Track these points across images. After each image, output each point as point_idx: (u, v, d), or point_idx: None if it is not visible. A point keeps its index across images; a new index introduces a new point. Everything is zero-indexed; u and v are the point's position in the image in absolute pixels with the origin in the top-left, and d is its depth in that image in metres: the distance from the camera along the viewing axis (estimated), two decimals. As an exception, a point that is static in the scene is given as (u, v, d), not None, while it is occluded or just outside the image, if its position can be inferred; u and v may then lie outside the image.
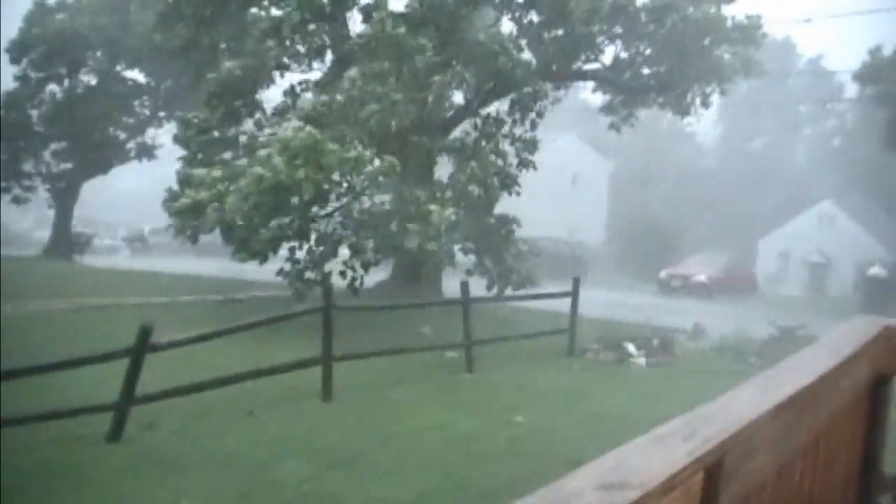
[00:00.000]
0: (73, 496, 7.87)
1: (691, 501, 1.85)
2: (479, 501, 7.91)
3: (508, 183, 21.53)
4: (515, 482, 8.39)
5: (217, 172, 17.82)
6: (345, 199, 18.49)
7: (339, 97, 18.01)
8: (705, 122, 61.45)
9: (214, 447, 9.48)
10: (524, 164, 22.10)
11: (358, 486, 8.17)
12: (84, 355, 9.84)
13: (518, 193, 21.94)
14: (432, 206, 17.40)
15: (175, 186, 21.12)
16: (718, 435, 1.96)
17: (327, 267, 19.23)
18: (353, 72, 18.05)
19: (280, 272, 19.29)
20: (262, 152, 17.01)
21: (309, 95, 22.08)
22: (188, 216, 17.74)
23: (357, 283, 19.40)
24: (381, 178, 17.37)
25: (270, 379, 11.89)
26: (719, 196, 60.27)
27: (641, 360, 16.78)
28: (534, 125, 22.01)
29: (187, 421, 10.47)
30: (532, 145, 22.48)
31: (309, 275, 18.84)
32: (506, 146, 22.14)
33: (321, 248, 19.22)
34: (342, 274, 19.24)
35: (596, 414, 11.90)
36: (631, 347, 17.09)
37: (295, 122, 17.95)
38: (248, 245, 17.76)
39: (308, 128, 16.89)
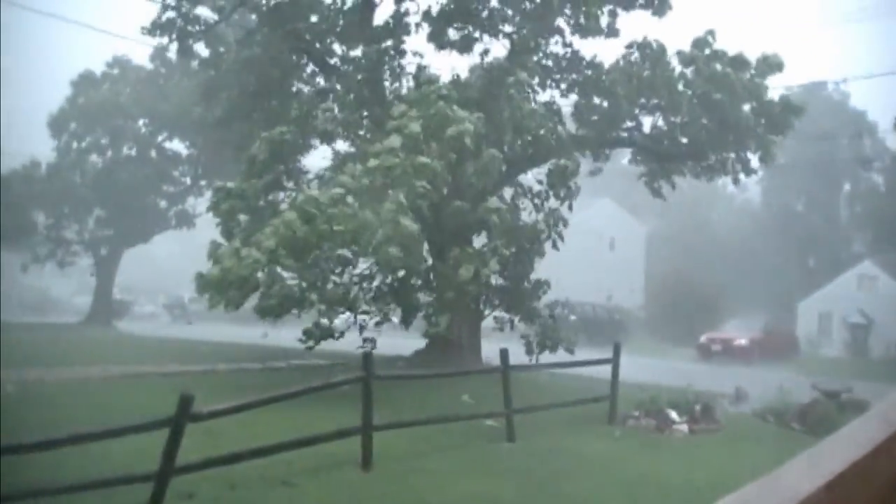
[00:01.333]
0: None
1: (745, 588, 1.78)
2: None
3: (537, 249, 21.72)
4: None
5: (237, 243, 18.10)
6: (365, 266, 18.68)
7: (374, 165, 18.07)
8: (745, 183, 61.33)
9: (253, 518, 9.43)
10: (552, 235, 21.95)
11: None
12: (123, 425, 9.82)
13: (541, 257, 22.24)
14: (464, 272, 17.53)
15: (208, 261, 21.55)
16: (772, 514, 1.89)
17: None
18: (393, 141, 18.06)
19: (305, 332, 19.40)
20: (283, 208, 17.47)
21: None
22: (215, 289, 17.88)
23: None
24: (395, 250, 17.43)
25: (310, 448, 11.81)
26: (759, 258, 59.82)
27: (684, 427, 16.54)
28: (568, 196, 21.94)
29: (226, 491, 10.41)
30: (560, 219, 22.32)
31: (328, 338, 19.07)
32: (538, 217, 22.20)
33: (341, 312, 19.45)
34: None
35: (638, 483, 11.74)
36: (673, 414, 16.85)
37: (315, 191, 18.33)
38: (265, 303, 18.14)
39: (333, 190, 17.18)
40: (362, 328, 20.26)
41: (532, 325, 22.34)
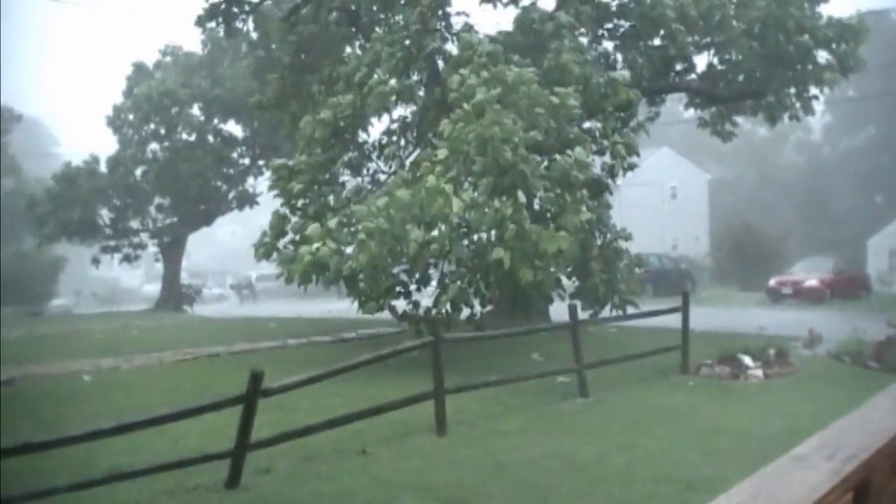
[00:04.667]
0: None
1: (840, 526, 1.70)
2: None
3: (602, 188, 20.71)
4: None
5: (333, 222, 17.76)
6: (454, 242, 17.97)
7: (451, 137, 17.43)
8: (810, 125, 59.99)
9: (330, 488, 9.44)
10: (625, 167, 20.34)
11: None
12: (197, 405, 9.90)
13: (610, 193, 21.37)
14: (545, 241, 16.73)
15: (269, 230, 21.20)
16: (863, 451, 1.80)
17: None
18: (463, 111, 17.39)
19: (402, 316, 19.15)
20: (379, 202, 16.88)
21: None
22: (311, 271, 17.70)
23: (477, 317, 19.40)
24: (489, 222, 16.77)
25: (383, 416, 11.83)
26: (825, 198, 58.81)
27: (758, 372, 16.32)
28: (633, 131, 20.91)
29: (302, 463, 10.46)
30: (631, 148, 19.99)
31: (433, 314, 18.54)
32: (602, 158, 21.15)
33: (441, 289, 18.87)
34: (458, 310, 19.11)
35: (716, 432, 11.58)
36: (747, 360, 16.62)
37: (405, 178, 17.86)
38: (368, 295, 17.79)
39: (415, 185, 16.60)
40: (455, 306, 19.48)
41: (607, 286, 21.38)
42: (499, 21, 23.48)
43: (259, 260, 20.96)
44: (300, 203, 20.59)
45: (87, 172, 41.08)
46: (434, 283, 18.85)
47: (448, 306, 17.59)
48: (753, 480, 1.63)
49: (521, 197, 16.12)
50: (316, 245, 17.01)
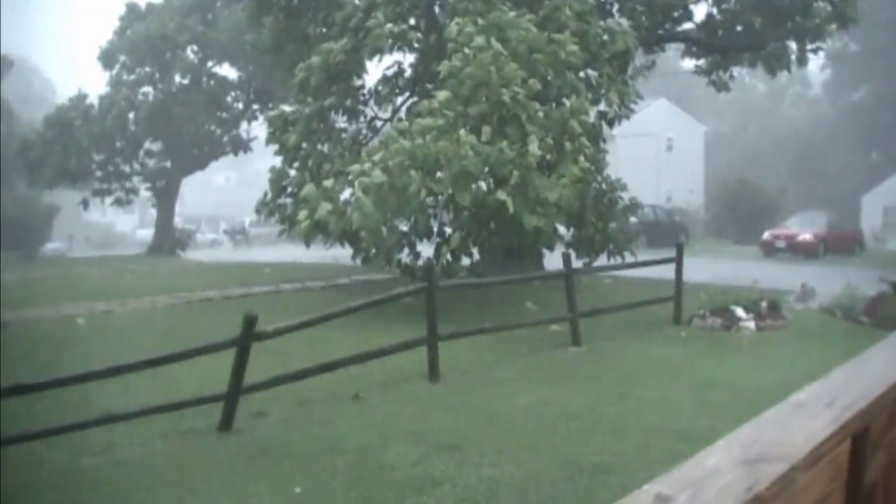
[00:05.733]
0: (188, 486, 7.92)
1: (838, 472, 1.70)
2: (592, 478, 7.75)
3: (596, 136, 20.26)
4: (629, 457, 8.23)
5: (329, 182, 17.54)
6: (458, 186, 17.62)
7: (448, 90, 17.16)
8: (810, 80, 59.55)
9: (323, 433, 9.48)
10: (624, 114, 20.16)
11: (468, 467, 8.08)
12: (191, 348, 9.91)
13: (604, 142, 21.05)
14: (550, 193, 16.54)
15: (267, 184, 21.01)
16: (862, 399, 1.80)
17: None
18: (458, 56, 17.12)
19: (404, 269, 18.87)
20: (375, 156, 16.64)
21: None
22: (314, 234, 17.52)
23: (476, 266, 19.40)
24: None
25: (376, 362, 11.85)
26: (822, 153, 58.69)
27: (751, 324, 16.36)
28: (631, 78, 20.73)
29: (296, 408, 10.51)
30: (627, 97, 19.62)
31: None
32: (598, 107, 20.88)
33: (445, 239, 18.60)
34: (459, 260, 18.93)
35: (708, 383, 11.63)
36: (739, 311, 16.65)
37: (401, 128, 17.61)
38: (370, 251, 17.56)
39: (418, 139, 16.27)
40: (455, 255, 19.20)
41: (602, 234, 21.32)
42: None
43: (265, 220, 20.84)
44: (297, 154, 20.43)
45: (81, 115, 40.71)
46: (435, 233, 18.67)
47: (449, 256, 17.54)
48: (752, 426, 1.63)
49: (528, 143, 15.98)
50: (313, 209, 16.82)
